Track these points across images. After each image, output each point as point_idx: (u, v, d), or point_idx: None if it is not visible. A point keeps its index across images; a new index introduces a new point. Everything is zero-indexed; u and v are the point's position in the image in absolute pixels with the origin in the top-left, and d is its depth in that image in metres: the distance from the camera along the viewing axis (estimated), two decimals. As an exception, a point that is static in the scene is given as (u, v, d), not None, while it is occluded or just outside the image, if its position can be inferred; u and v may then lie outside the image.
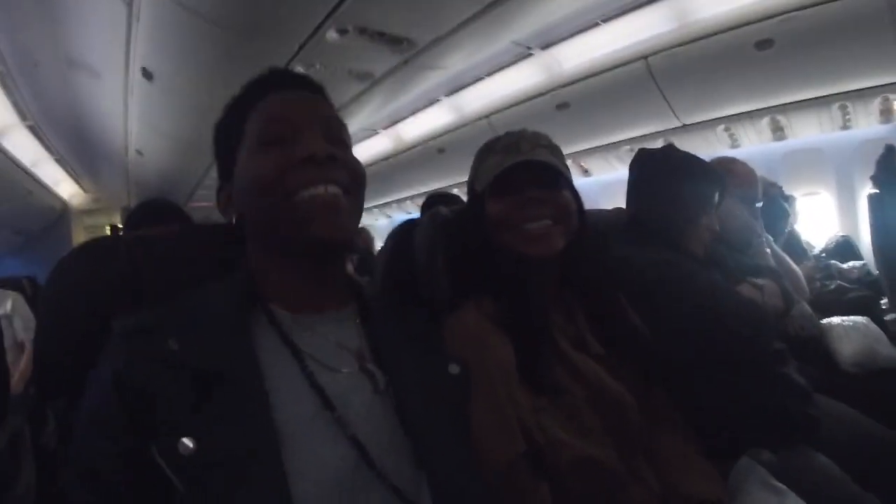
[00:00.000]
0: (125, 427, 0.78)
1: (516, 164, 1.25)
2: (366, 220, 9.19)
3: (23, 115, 6.12)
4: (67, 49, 4.71)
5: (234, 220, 1.04)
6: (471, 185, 1.38)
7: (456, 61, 4.14)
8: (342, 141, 1.03)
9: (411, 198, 8.83)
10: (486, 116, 5.61)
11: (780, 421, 1.56)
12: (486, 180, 1.30)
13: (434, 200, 3.33)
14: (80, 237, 11.27)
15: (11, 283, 4.75)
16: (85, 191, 11.06)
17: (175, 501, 0.75)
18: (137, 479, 0.76)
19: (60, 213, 11.05)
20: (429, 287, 1.38)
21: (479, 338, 1.18)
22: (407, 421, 0.93)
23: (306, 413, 0.86)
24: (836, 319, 2.47)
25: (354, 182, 0.99)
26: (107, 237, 1.16)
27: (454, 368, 1.06)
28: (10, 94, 5.46)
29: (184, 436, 0.75)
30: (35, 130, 6.78)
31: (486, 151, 1.36)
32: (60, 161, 8.68)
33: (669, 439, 1.28)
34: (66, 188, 10.36)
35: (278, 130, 0.97)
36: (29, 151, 7.28)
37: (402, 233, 1.50)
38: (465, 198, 3.31)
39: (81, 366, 0.88)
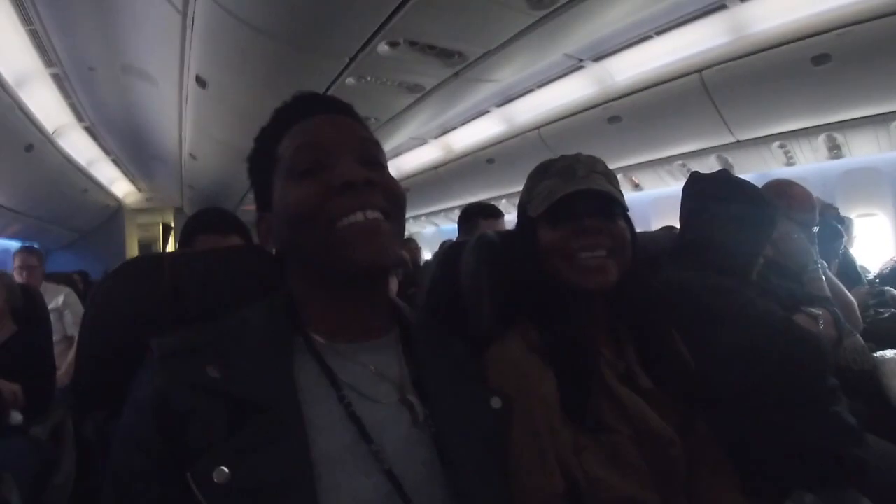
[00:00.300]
0: (160, 450, 0.77)
1: (573, 192, 1.19)
2: (413, 228, 9.27)
3: (79, 117, 6.33)
4: (123, 56, 4.85)
5: (275, 251, 1.03)
6: (523, 207, 1.32)
7: (507, 74, 4.10)
8: (378, 162, 1.00)
9: (459, 207, 8.76)
10: (537, 128, 5.59)
11: (829, 463, 1.50)
12: (540, 205, 1.24)
13: (473, 211, 3.26)
14: (132, 234, 11.61)
15: (63, 278, 4.88)
16: (139, 190, 11.38)
17: None
18: (168, 498, 0.75)
19: (114, 211, 11.41)
20: (473, 314, 1.33)
21: (522, 370, 1.14)
22: (445, 454, 0.90)
23: (342, 444, 0.84)
24: (889, 353, 2.35)
25: (394, 204, 0.96)
26: (152, 254, 1.17)
27: (496, 402, 1.02)
28: (66, 95, 5.63)
29: (219, 463, 0.74)
30: (91, 131, 7.01)
31: (540, 174, 1.30)
32: (116, 161, 8.96)
33: (715, 483, 1.22)
34: (120, 187, 10.68)
35: (312, 158, 0.94)
36: (85, 151, 7.52)
37: (448, 255, 1.45)
38: (502, 208, 3.29)
39: (120, 381, 0.88)
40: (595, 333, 1.24)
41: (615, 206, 1.22)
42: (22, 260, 4.26)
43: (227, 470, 0.74)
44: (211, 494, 0.73)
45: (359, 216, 0.90)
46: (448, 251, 1.45)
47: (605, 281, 1.18)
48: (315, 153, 0.94)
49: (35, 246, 4.52)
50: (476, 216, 3.16)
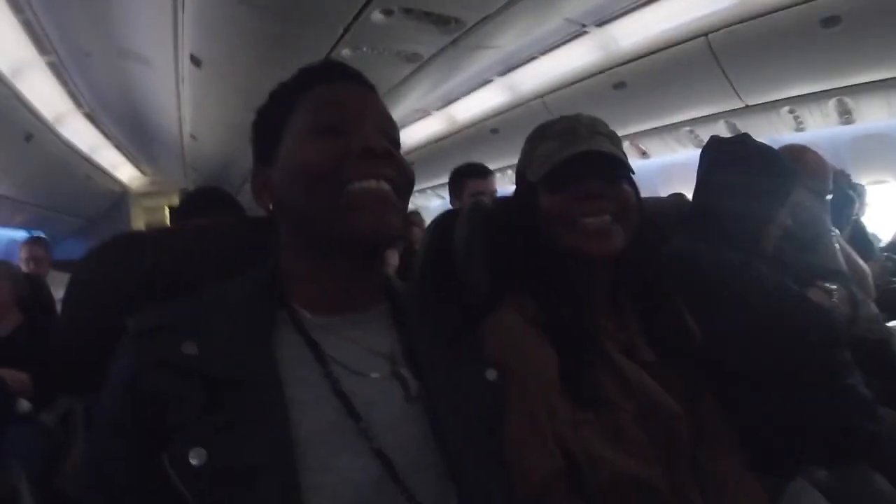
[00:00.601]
0: (137, 432, 0.75)
1: (575, 154, 1.13)
2: (419, 202, 9.25)
3: (78, 103, 6.35)
4: (118, 39, 4.85)
5: (269, 207, 0.99)
6: (521, 172, 1.26)
7: (507, 41, 4.05)
8: (395, 140, 0.99)
9: (465, 179, 8.79)
10: (541, 96, 5.50)
11: (841, 437, 1.47)
12: (539, 169, 1.18)
13: (460, 173, 3.19)
14: (139, 219, 11.76)
15: (71, 267, 4.89)
16: (143, 174, 11.53)
17: None
18: (147, 485, 0.73)
19: (120, 196, 11.54)
20: (468, 284, 1.28)
21: (520, 341, 1.10)
22: (439, 430, 0.88)
23: (328, 422, 0.81)
24: (901, 322, 2.33)
25: (404, 183, 0.95)
26: (135, 231, 1.15)
27: (491, 374, 0.99)
28: (63, 83, 5.63)
29: (196, 445, 0.72)
30: (91, 118, 7.04)
31: (539, 136, 1.24)
32: (119, 146, 9.06)
33: (722, 460, 1.18)
34: (125, 172, 10.81)
35: (335, 119, 0.92)
36: (86, 138, 7.54)
37: (443, 223, 1.40)
38: (508, 178, 3.23)
39: (101, 363, 0.85)
40: (597, 304, 1.19)
41: (619, 169, 1.17)
42: (29, 251, 4.32)
43: (204, 451, 0.71)
44: (186, 476, 0.71)
45: (371, 183, 0.88)
46: (441, 219, 1.41)
47: (609, 246, 1.12)
48: (339, 115, 0.92)
49: (41, 235, 4.55)
50: (462, 176, 3.12)
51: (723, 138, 1.84)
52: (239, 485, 0.72)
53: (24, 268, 3.99)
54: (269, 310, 0.88)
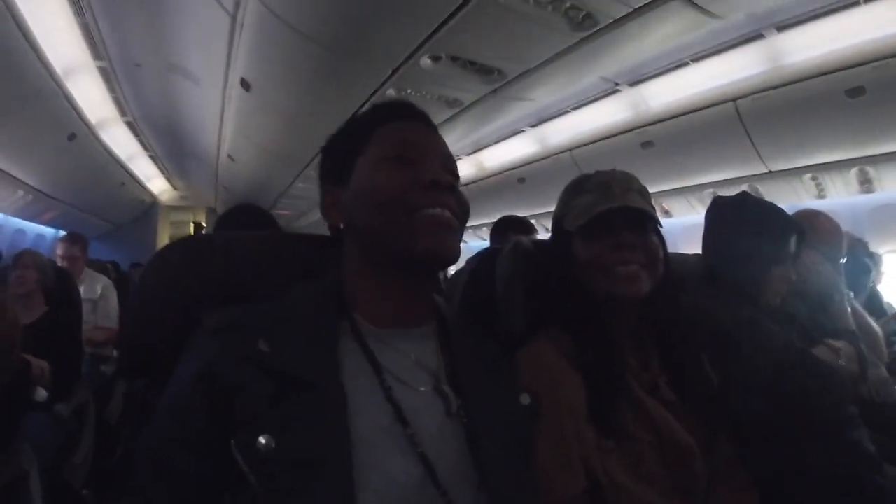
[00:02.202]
0: (205, 418, 0.81)
1: (610, 209, 1.24)
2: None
3: (122, 111, 6.47)
4: (170, 54, 4.94)
5: (339, 226, 1.07)
6: (558, 220, 1.37)
7: (543, 94, 4.13)
8: (456, 176, 1.08)
9: (487, 225, 8.70)
10: (570, 150, 5.60)
11: (848, 490, 1.48)
12: (576, 220, 1.28)
13: (506, 224, 3.32)
14: (165, 230, 11.77)
15: (97, 266, 4.96)
16: (174, 188, 11.55)
17: (241, 497, 0.78)
18: (207, 470, 0.80)
19: (149, 207, 11.59)
20: (506, 317, 1.37)
21: (552, 371, 1.17)
22: (476, 445, 0.94)
23: (380, 426, 0.88)
24: (912, 385, 2.33)
25: (463, 214, 1.04)
26: (203, 235, 1.20)
27: (525, 399, 1.06)
28: (111, 89, 5.76)
29: (263, 433, 0.78)
30: (133, 127, 7.15)
31: (576, 189, 1.34)
32: (154, 158, 9.11)
33: (735, 499, 1.24)
34: (156, 184, 10.85)
35: (409, 151, 1.01)
36: (125, 145, 7.66)
37: (484, 259, 1.48)
38: (537, 225, 3.27)
39: (166, 353, 0.93)
40: (624, 344, 1.27)
41: (649, 222, 1.27)
42: (65, 249, 4.28)
43: (269, 439, 0.78)
44: (253, 461, 0.77)
45: (437, 210, 0.97)
46: (483, 256, 1.49)
47: (637, 290, 1.22)
48: (411, 148, 1.02)
49: (80, 234, 4.55)
50: (508, 229, 3.21)
51: (723, 197, 1.90)
52: (301, 473, 0.78)
53: (59, 264, 3.96)
54: (334, 319, 0.96)
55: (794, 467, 1.43)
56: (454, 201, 1.01)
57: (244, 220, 2.13)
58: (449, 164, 1.07)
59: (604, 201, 1.25)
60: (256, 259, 1.11)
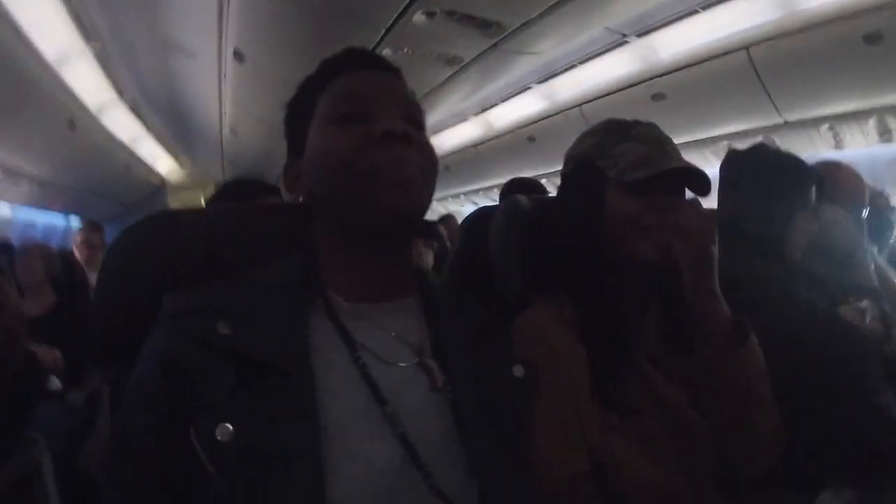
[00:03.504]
0: (167, 406, 0.77)
1: (676, 168, 1.14)
2: (452, 207, 9.25)
3: (121, 94, 6.41)
4: (163, 31, 4.91)
5: (300, 199, 1.02)
6: (588, 162, 1.24)
7: (547, 47, 4.04)
8: (419, 123, 1.00)
9: (498, 186, 8.69)
10: (579, 105, 5.48)
11: (869, 456, 1.44)
12: (630, 170, 1.16)
13: (515, 186, 3.25)
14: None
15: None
16: (181, 167, 11.63)
17: (206, 485, 0.73)
18: (173, 459, 0.75)
19: (158, 188, 11.63)
20: (500, 280, 1.30)
21: (551, 341, 1.11)
22: (462, 422, 0.89)
23: (355, 407, 0.83)
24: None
25: (428, 165, 0.96)
26: (170, 210, 1.16)
27: (518, 371, 0.99)
28: (108, 72, 5.69)
29: (223, 420, 0.74)
30: (133, 108, 7.10)
31: (618, 133, 1.23)
32: (159, 138, 9.12)
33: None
34: (163, 164, 10.87)
35: (355, 106, 0.94)
36: (128, 128, 7.61)
37: (478, 221, 1.42)
38: (548, 185, 3.22)
39: (135, 338, 0.87)
40: (633, 310, 1.19)
41: (685, 184, 1.19)
42: (85, 236, 4.35)
43: (230, 427, 0.73)
44: (212, 451, 0.73)
45: (394, 165, 0.89)
46: (477, 216, 1.41)
47: (667, 259, 1.14)
48: (358, 102, 0.94)
49: (97, 222, 4.58)
50: (518, 192, 3.09)
51: (739, 150, 1.85)
52: (263, 464, 0.73)
53: (77, 253, 4.04)
54: (304, 296, 0.90)
55: (813, 431, 1.38)
56: (416, 152, 0.93)
57: (241, 193, 2.07)
58: (410, 110, 0.99)
59: (663, 157, 1.16)
60: (240, 230, 1.05)
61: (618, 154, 1.19)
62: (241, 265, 0.95)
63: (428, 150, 0.97)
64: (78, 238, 4.30)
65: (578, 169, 1.27)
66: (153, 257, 0.99)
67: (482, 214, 1.42)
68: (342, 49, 1.05)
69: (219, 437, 0.73)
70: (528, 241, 1.28)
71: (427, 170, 0.95)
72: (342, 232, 0.95)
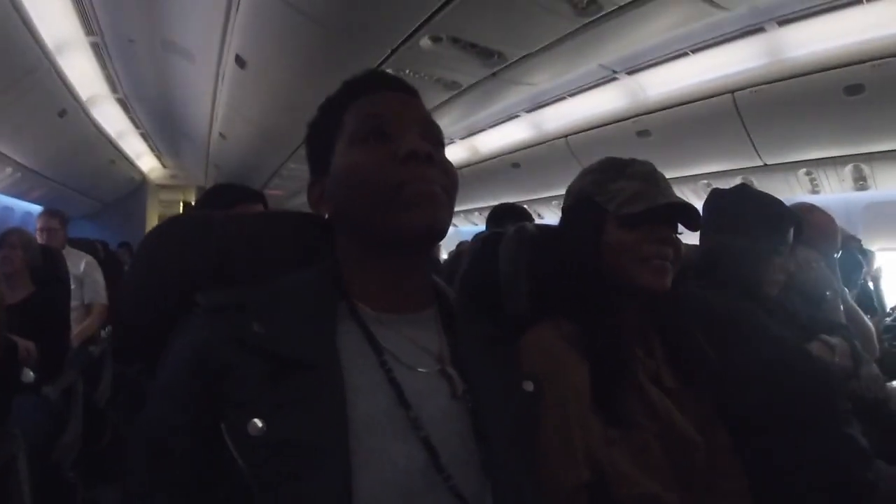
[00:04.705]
0: (198, 401, 0.78)
1: (669, 203, 1.22)
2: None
3: (113, 88, 6.41)
4: (164, 30, 4.89)
5: (326, 216, 1.04)
6: (588, 200, 1.32)
7: (542, 78, 4.14)
8: (440, 143, 1.03)
9: (479, 210, 8.78)
10: (565, 136, 5.60)
11: (839, 483, 1.50)
12: (626, 205, 1.25)
13: (503, 211, 3.28)
14: (154, 209, 11.72)
15: (85, 245, 4.91)
16: (164, 166, 11.48)
17: (236, 481, 0.74)
18: (201, 454, 0.77)
19: (138, 185, 11.49)
20: (509, 300, 1.35)
21: (556, 358, 1.16)
22: (481, 430, 0.91)
23: (380, 409, 0.84)
24: (902, 383, 2.34)
25: (450, 183, 0.98)
26: (201, 212, 1.16)
27: (528, 385, 1.02)
28: (103, 65, 5.69)
29: (254, 416, 0.75)
30: (124, 103, 7.08)
31: (615, 172, 1.31)
32: (144, 135, 9.03)
33: (727, 488, 1.25)
34: (146, 162, 10.78)
35: (380, 126, 0.96)
36: (116, 122, 7.60)
37: (486, 243, 1.46)
38: (532, 211, 3.26)
39: (160, 336, 0.89)
40: (630, 332, 1.26)
41: (691, 220, 1.27)
42: (44, 222, 4.26)
43: (261, 423, 0.75)
44: (243, 445, 0.74)
45: (419, 184, 0.91)
46: (485, 240, 1.47)
47: (665, 283, 1.22)
48: (383, 123, 0.97)
49: (58, 209, 4.52)
50: (506, 217, 3.16)
51: (722, 189, 1.91)
52: (293, 459, 0.75)
53: (38, 238, 3.94)
54: (332, 301, 0.92)
55: (787, 461, 1.44)
56: (439, 172, 0.96)
57: (229, 199, 2.06)
58: (430, 130, 1.01)
59: (657, 193, 1.24)
60: (255, 237, 1.07)
61: (615, 190, 1.28)
62: (255, 271, 0.97)
63: (450, 170, 0.99)
64: (38, 223, 4.24)
65: (578, 203, 1.35)
66: (179, 261, 1.01)
67: (489, 237, 1.48)
68: (364, 70, 1.07)
69: (250, 432, 0.74)
70: (534, 264, 1.34)
71: (449, 189, 0.97)
72: (367, 246, 0.96)
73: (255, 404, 0.77)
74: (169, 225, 1.08)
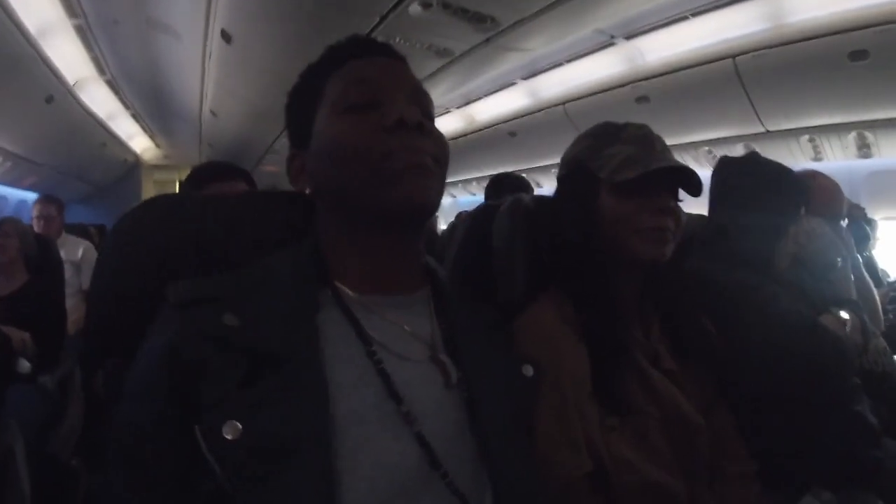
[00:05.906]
0: (171, 402, 0.73)
1: (665, 168, 1.13)
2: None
3: (101, 70, 6.32)
4: (148, 9, 4.82)
5: (307, 191, 0.97)
6: (581, 166, 1.24)
7: (537, 44, 4.05)
8: (429, 112, 0.96)
9: (477, 179, 8.76)
10: (562, 103, 5.52)
11: (848, 461, 1.49)
12: (619, 172, 1.16)
13: (501, 182, 3.21)
14: (149, 191, 11.78)
15: (80, 230, 4.89)
16: (157, 146, 11.49)
17: (212, 483, 0.69)
18: (177, 456, 0.72)
19: (132, 167, 11.52)
20: (504, 278, 1.28)
21: (554, 340, 1.10)
22: (477, 419, 0.86)
23: (368, 403, 0.79)
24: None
25: (441, 154, 0.91)
26: (175, 194, 1.10)
27: (528, 370, 0.99)
28: (89, 48, 5.61)
29: (230, 418, 0.70)
30: (112, 85, 7.00)
31: (608, 135, 1.22)
32: (136, 116, 9.00)
33: (730, 468, 1.21)
34: (139, 143, 10.75)
35: (365, 93, 0.89)
36: (105, 105, 7.52)
37: (479, 217, 1.39)
38: (530, 180, 3.22)
39: (134, 329, 0.83)
40: (628, 312, 1.20)
41: (689, 186, 1.19)
42: (40, 209, 4.21)
43: (238, 424, 0.70)
44: (219, 449, 0.69)
45: (409, 155, 0.85)
46: (479, 214, 1.39)
47: (662, 254, 1.14)
48: (369, 88, 0.90)
49: (54, 196, 4.48)
50: (504, 188, 3.10)
51: (733, 157, 1.86)
52: (271, 462, 0.70)
53: (34, 226, 3.94)
54: (313, 288, 0.86)
55: (796, 438, 1.42)
56: (429, 142, 0.89)
57: (216, 176, 2.01)
58: (419, 98, 0.94)
59: (651, 158, 1.15)
60: (234, 218, 1.00)
61: (608, 156, 1.19)
62: (234, 255, 0.92)
63: (440, 141, 0.93)
64: (34, 211, 4.18)
65: (572, 171, 1.27)
66: (148, 246, 0.95)
67: (482, 210, 1.41)
68: (346, 36, 1.00)
69: (226, 435, 0.69)
70: (530, 238, 1.28)
71: (440, 159, 0.91)
72: (350, 222, 0.90)
73: (230, 405, 0.72)
74: (147, 206, 1.01)
